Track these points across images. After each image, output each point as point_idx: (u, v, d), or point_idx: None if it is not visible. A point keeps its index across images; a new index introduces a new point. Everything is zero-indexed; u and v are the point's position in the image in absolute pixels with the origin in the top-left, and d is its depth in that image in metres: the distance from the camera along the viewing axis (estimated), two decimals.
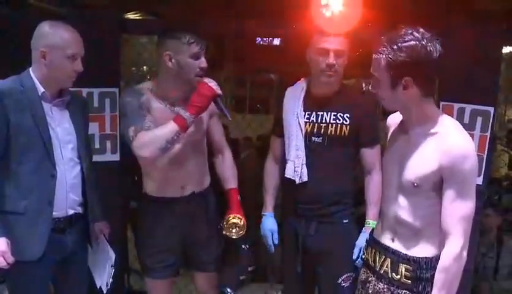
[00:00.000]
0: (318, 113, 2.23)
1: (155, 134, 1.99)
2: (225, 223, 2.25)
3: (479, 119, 2.58)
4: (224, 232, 2.25)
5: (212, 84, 2.05)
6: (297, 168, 2.23)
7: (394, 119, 1.84)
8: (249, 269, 2.45)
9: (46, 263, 2.00)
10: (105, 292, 2.31)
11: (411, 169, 1.65)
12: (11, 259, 1.86)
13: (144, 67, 6.65)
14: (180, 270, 2.45)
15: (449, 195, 1.58)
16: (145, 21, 3.48)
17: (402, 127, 1.75)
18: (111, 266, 2.31)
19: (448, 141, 1.57)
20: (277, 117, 2.38)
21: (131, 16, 3.45)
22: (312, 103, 2.26)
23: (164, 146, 1.99)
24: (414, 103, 1.63)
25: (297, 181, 2.24)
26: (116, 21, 2.89)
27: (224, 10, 2.96)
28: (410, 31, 1.55)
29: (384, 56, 1.56)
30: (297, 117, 2.24)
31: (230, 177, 2.35)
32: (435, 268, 1.62)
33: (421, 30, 1.56)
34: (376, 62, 1.60)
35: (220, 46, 5.50)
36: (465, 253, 1.59)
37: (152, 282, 2.34)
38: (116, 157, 2.89)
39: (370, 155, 2.22)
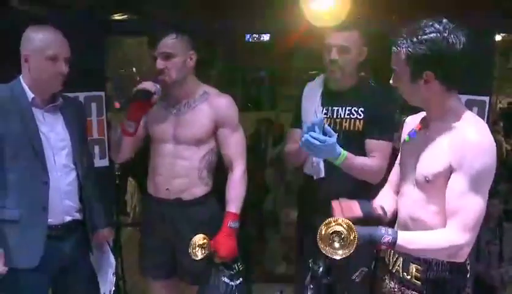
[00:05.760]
0: (334, 108, 2.21)
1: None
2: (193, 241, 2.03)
3: (475, 109, 2.57)
4: (189, 250, 2.02)
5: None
6: (314, 164, 2.21)
7: (414, 120, 1.75)
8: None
9: (44, 270, 1.96)
10: None
11: (425, 164, 1.57)
12: (3, 269, 1.84)
13: (134, 69, 6.60)
14: None
15: (454, 183, 1.47)
16: (130, 21, 3.41)
17: (423, 122, 1.67)
18: (113, 274, 2.28)
19: (463, 135, 1.48)
20: (296, 112, 2.33)
21: (117, 17, 3.39)
22: (328, 99, 2.23)
23: (112, 146, 2.27)
24: (436, 98, 1.54)
25: (315, 177, 2.22)
26: (100, 22, 2.83)
27: (211, 8, 2.91)
28: (430, 23, 1.47)
29: (404, 49, 1.49)
30: (315, 113, 2.20)
31: (231, 199, 2.14)
32: (445, 270, 1.56)
33: (444, 20, 1.48)
34: (396, 55, 1.53)
35: (209, 44, 5.43)
36: (462, 251, 1.48)
37: (150, 282, 2.32)
38: (105, 162, 2.85)
39: (374, 145, 2.13)
